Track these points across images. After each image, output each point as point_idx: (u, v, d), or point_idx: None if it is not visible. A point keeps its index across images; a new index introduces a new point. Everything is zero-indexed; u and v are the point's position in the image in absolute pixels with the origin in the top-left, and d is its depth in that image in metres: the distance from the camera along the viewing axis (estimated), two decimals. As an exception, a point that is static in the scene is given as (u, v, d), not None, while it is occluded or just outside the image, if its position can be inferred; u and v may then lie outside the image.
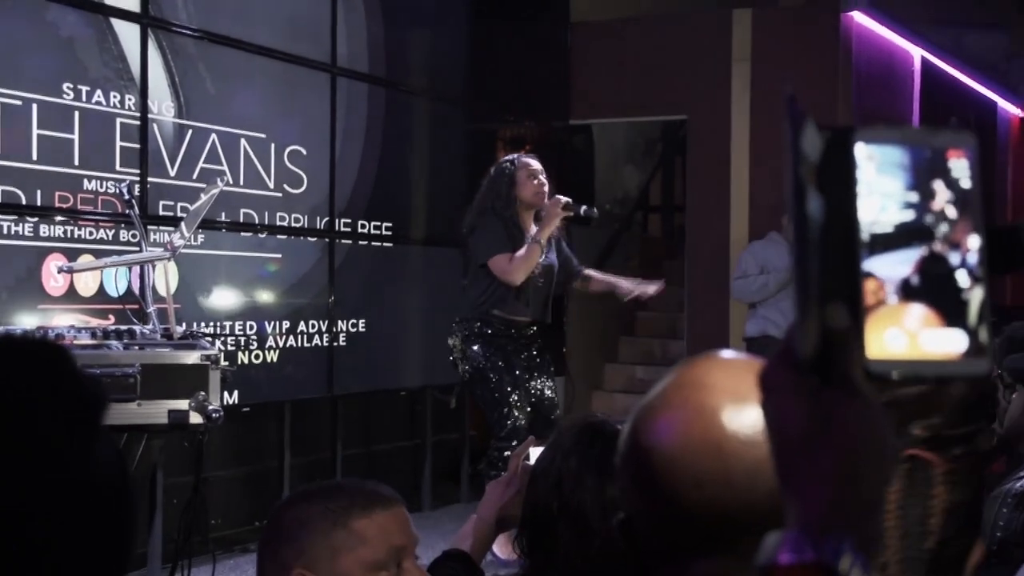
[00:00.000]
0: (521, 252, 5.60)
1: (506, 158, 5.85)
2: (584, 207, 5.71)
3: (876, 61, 8.43)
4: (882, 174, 0.74)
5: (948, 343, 0.73)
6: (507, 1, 7.95)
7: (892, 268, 0.73)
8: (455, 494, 7.44)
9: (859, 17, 8.09)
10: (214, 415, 3.59)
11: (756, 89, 8.05)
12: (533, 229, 5.71)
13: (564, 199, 5.64)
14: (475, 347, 5.70)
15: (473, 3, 7.51)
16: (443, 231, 7.28)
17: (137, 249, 4.60)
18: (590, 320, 8.71)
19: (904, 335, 0.73)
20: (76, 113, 5.04)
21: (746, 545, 0.94)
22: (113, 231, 5.16)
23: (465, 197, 7.39)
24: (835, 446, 0.75)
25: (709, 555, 1.01)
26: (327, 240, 6.36)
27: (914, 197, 0.75)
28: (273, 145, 6.04)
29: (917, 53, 9.30)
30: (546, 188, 5.69)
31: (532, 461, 2.25)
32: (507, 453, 5.59)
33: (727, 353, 1.10)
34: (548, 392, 5.85)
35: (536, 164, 5.75)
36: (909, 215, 0.74)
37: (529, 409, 5.71)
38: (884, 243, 0.74)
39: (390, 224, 6.83)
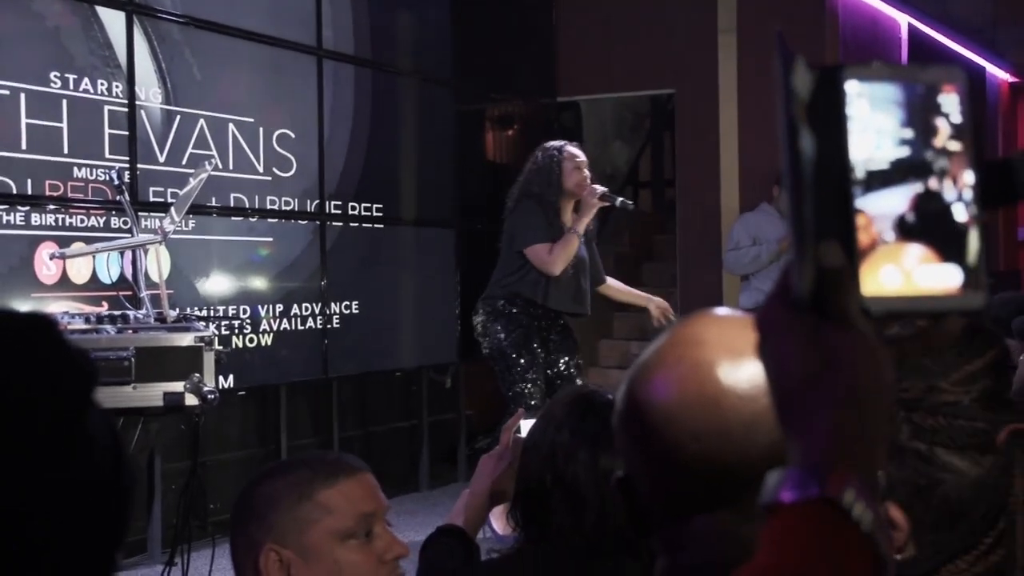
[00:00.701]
0: (560, 243, 5.64)
1: (551, 145, 5.83)
2: (620, 198, 5.76)
3: (863, 29, 8.45)
4: (875, 111, 0.74)
5: (943, 278, 0.73)
6: (492, -21, 7.98)
7: (887, 205, 0.73)
8: (452, 474, 7.48)
9: (844, -15, 8.11)
10: (209, 396, 3.62)
11: (743, 60, 8.06)
12: (570, 219, 5.75)
13: (601, 189, 5.67)
14: (497, 324, 5.74)
15: (458, -18, 7.53)
16: (433, 211, 7.31)
17: (129, 235, 4.62)
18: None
19: (899, 272, 0.73)
20: (64, 102, 5.06)
21: (746, 500, 0.97)
22: (104, 218, 5.19)
23: (454, 176, 7.44)
24: (835, 382, 0.75)
25: (709, 510, 1.02)
26: (318, 223, 6.40)
27: (908, 133, 0.75)
28: (262, 129, 6.06)
29: (903, 20, 9.32)
30: (588, 178, 5.73)
31: (523, 434, 2.28)
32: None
33: (721, 310, 1.12)
34: (572, 370, 5.89)
35: (581, 155, 5.79)
36: (904, 151, 0.74)
37: (547, 388, 5.75)
38: (879, 180, 0.74)
39: (380, 206, 6.86)
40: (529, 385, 5.69)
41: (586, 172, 5.75)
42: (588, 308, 5.92)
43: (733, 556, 0.97)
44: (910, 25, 9.41)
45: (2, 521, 0.86)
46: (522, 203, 5.76)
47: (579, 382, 5.90)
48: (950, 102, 0.75)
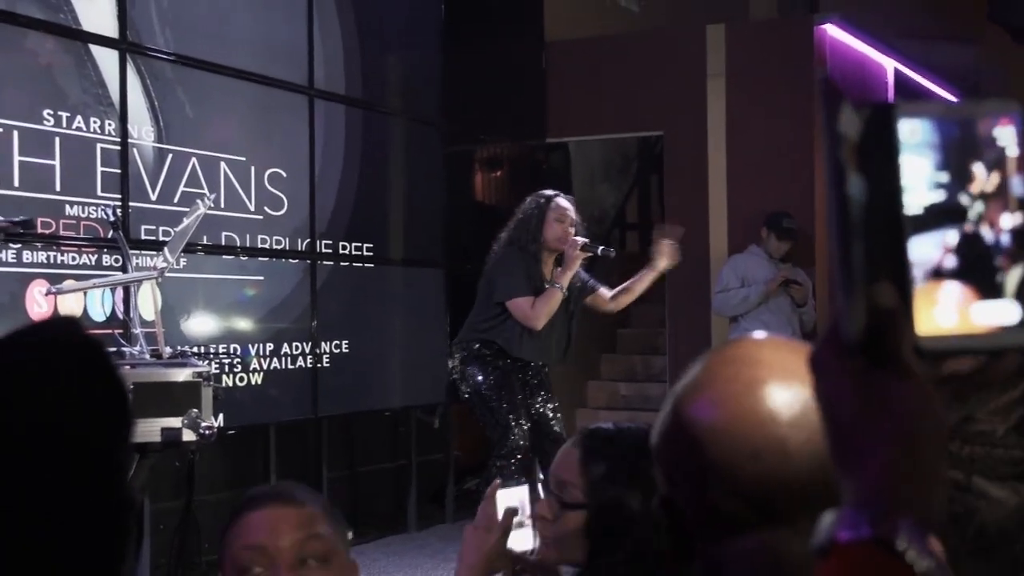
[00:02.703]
0: (543, 297, 5.61)
1: (541, 193, 5.82)
2: (601, 247, 5.70)
3: (850, 73, 8.55)
4: (918, 151, 0.74)
5: (998, 315, 0.73)
6: (481, 21, 8.03)
7: (923, 251, 0.73)
8: (441, 515, 7.47)
9: (832, 30, 8.20)
10: (206, 432, 3.62)
11: (732, 103, 8.14)
12: (551, 271, 5.73)
13: (581, 240, 5.63)
14: (473, 368, 5.74)
15: (447, 23, 7.59)
16: (422, 251, 7.34)
17: (121, 272, 4.63)
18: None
19: (954, 310, 0.73)
20: (57, 139, 5.08)
21: (797, 517, 0.99)
22: (96, 256, 5.20)
23: (444, 216, 7.48)
24: (888, 423, 0.75)
25: (757, 528, 1.02)
26: (308, 262, 6.41)
27: (944, 177, 0.74)
28: (253, 168, 6.09)
29: (890, 65, 9.43)
30: (572, 233, 5.66)
31: (501, 505, 2.27)
32: (506, 472, 5.64)
33: (762, 334, 1.13)
34: (548, 410, 5.88)
35: (567, 207, 5.73)
36: (939, 196, 0.74)
37: (528, 427, 5.75)
38: (912, 225, 0.73)
39: (371, 245, 6.88)
40: (514, 426, 5.68)
41: (571, 227, 5.68)
42: (555, 357, 5.86)
43: (779, 572, 1.00)
44: (896, 70, 9.52)
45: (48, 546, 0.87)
46: (504, 251, 5.74)
47: (556, 422, 5.89)
48: (1006, 135, 0.74)
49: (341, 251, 6.67)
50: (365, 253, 6.85)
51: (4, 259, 4.85)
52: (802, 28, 8.13)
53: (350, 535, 5.96)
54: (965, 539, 1.15)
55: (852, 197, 0.74)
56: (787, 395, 1.03)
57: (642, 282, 5.96)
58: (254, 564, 1.68)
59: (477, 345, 5.75)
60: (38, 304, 4.91)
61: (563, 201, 5.77)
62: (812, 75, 7.96)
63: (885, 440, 0.75)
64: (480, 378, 5.72)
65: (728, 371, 1.07)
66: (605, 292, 6.01)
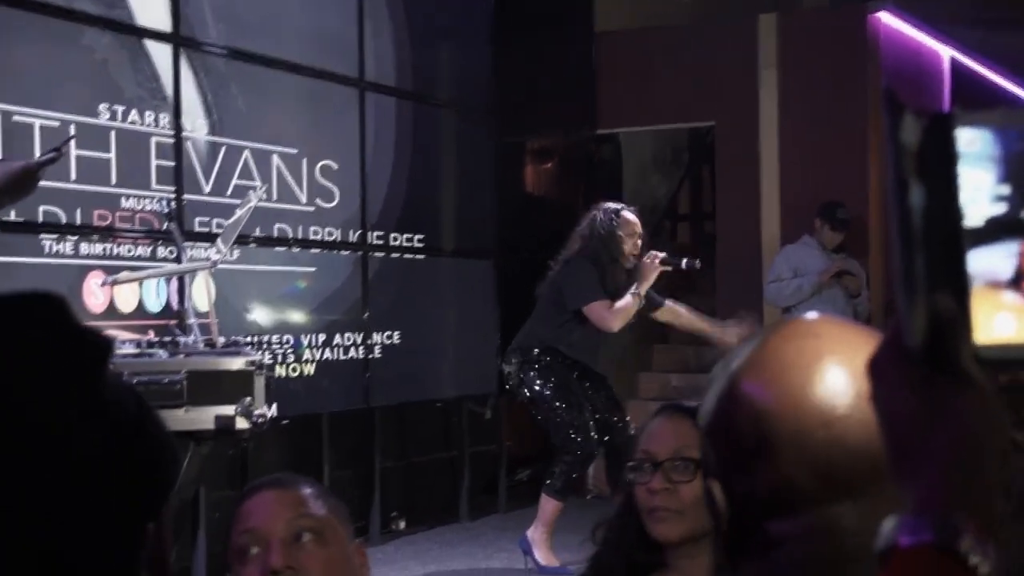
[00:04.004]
0: (622, 303, 5.77)
1: (608, 207, 5.95)
2: (686, 259, 5.92)
3: (905, 61, 8.48)
4: (979, 162, 0.74)
5: None
6: (532, 13, 8.04)
7: (982, 264, 0.73)
8: (493, 505, 7.50)
9: (886, 17, 8.15)
10: (259, 420, 3.67)
11: (784, 93, 8.10)
12: (616, 280, 5.86)
13: (660, 254, 5.81)
14: (532, 373, 5.84)
15: (498, 15, 7.61)
16: (473, 242, 7.38)
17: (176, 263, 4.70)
18: (623, 328, 8.75)
19: (1013, 320, 0.73)
20: (112, 133, 5.17)
21: (866, 492, 1.00)
22: (150, 248, 5.28)
23: (494, 208, 7.50)
24: (949, 432, 0.75)
25: (822, 503, 1.02)
26: (360, 253, 6.47)
27: (1005, 190, 0.74)
28: (305, 160, 6.15)
29: (946, 52, 9.34)
30: (639, 248, 5.86)
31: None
32: (574, 468, 5.71)
33: (815, 313, 1.15)
34: (609, 403, 5.98)
35: (637, 223, 5.92)
36: (999, 208, 0.74)
37: (593, 425, 5.84)
38: (976, 237, 0.73)
39: (421, 236, 6.93)
40: (580, 427, 5.76)
41: (638, 241, 5.89)
42: (582, 356, 5.98)
43: (840, 549, 1.01)
44: (953, 58, 9.44)
45: (14, 492, 0.86)
46: (575, 261, 5.86)
47: (618, 415, 5.95)
48: None
49: (392, 243, 6.72)
50: (416, 244, 6.89)
51: (62, 251, 4.94)
52: (855, 16, 8.08)
53: (402, 524, 5.95)
54: (1010, 500, 1.16)
55: (913, 207, 0.74)
56: (851, 365, 1.03)
57: (699, 325, 6.30)
58: (250, 546, 1.74)
59: (536, 351, 5.86)
60: (95, 295, 5.00)
61: (630, 215, 5.94)
62: (866, 64, 7.91)
63: (945, 446, 0.76)
64: (540, 383, 5.83)
65: (790, 345, 1.07)
66: (671, 305, 6.25)
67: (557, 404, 5.79)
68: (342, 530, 1.81)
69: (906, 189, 0.74)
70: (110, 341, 0.97)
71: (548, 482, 5.85)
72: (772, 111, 8.14)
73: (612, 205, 6.00)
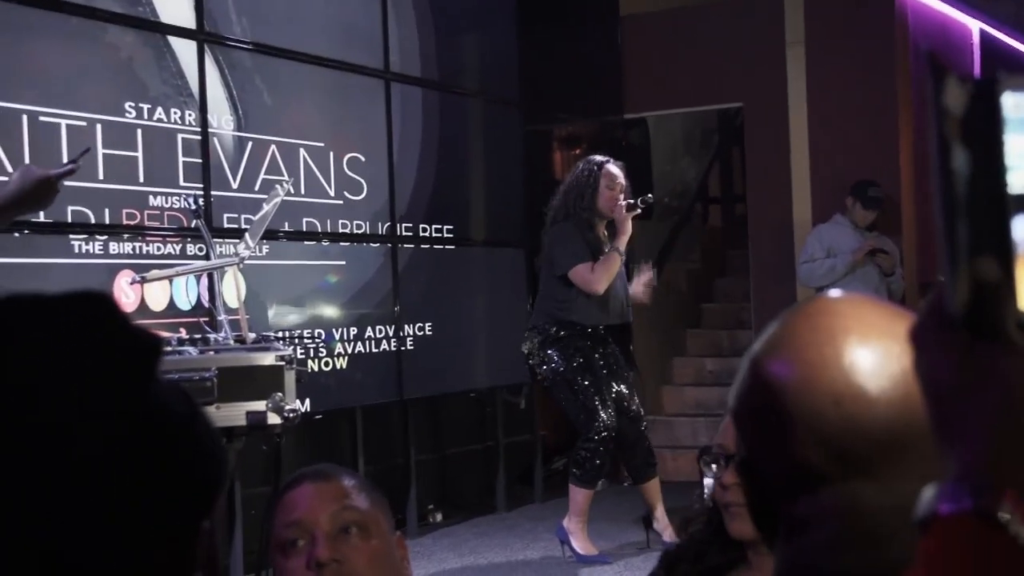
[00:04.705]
0: (602, 261, 5.71)
1: (593, 159, 5.92)
2: (640, 198, 5.81)
3: (933, 36, 8.40)
4: (1014, 132, 0.73)
5: None
6: (556, -1, 8.04)
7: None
8: (529, 495, 7.49)
9: (913, -8, 8.07)
10: (291, 415, 3.67)
11: (812, 72, 8.04)
12: (603, 233, 5.84)
13: (624, 202, 5.75)
14: (551, 351, 5.80)
15: (521, 2, 7.58)
16: (503, 231, 7.36)
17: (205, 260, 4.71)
18: (655, 314, 8.74)
19: None
20: (139, 131, 5.17)
21: (883, 469, 1.00)
22: (179, 245, 5.29)
23: (523, 196, 7.49)
24: (992, 398, 0.75)
25: (843, 481, 1.03)
26: (389, 245, 6.46)
27: None
28: (332, 153, 6.15)
29: (975, 26, 9.25)
30: (621, 200, 5.78)
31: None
32: (595, 453, 5.67)
33: (839, 291, 1.15)
34: (625, 389, 5.92)
35: (618, 173, 5.84)
36: None
37: (612, 410, 5.79)
38: (1021, 203, 0.72)
39: (451, 227, 6.92)
40: (600, 409, 5.71)
41: (619, 192, 5.79)
42: (616, 317, 5.94)
43: (862, 528, 1.01)
44: (982, 31, 9.34)
45: (69, 486, 0.87)
46: (558, 224, 5.84)
47: (633, 401, 5.90)
48: None
49: (422, 234, 6.71)
50: (445, 235, 6.88)
51: (92, 251, 4.95)
52: (882, -9, 8.00)
53: (439, 517, 5.97)
54: None
55: (956, 172, 0.73)
56: (867, 343, 1.04)
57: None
58: (295, 538, 1.76)
59: (554, 328, 5.81)
60: (125, 294, 5.01)
61: (613, 168, 5.86)
62: (894, 39, 7.84)
63: (988, 412, 0.75)
64: (560, 361, 5.77)
65: (807, 324, 1.08)
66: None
67: (578, 384, 5.74)
68: (384, 522, 1.82)
69: (949, 154, 0.74)
70: (160, 340, 0.97)
71: (573, 471, 5.82)
72: (800, 89, 8.08)
73: (597, 158, 5.94)
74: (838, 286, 7.12)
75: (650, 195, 5.95)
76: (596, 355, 5.83)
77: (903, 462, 0.99)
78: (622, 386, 5.91)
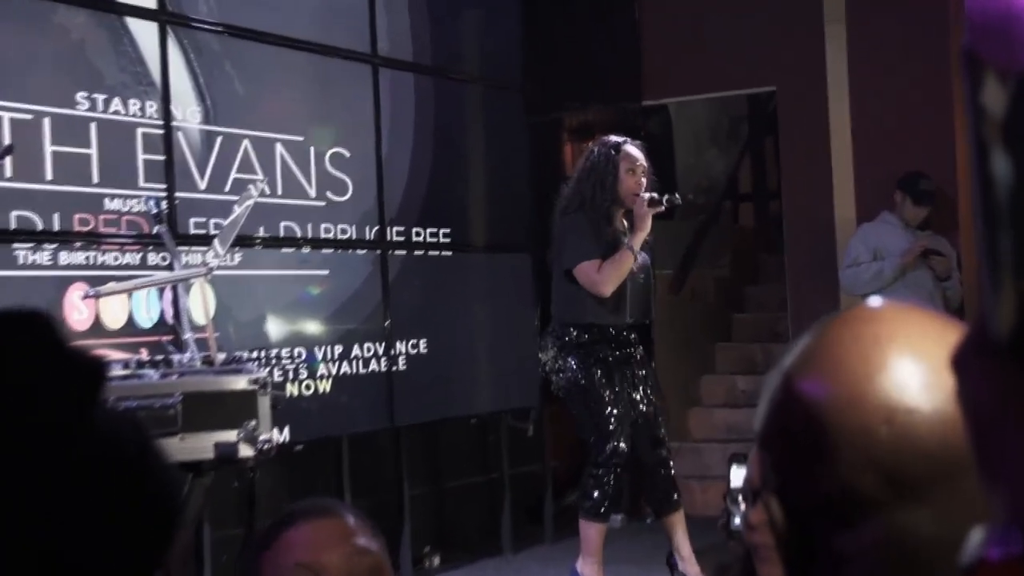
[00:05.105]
0: (612, 260, 5.69)
1: (608, 140, 5.91)
2: (667, 196, 5.77)
3: (994, 7, 8.35)
4: None
5: None
6: (564, -29, 8.02)
7: None
8: (539, 534, 7.46)
9: (968, -41, 8.03)
10: (265, 446, 3.65)
11: (854, 51, 8.02)
12: (622, 225, 5.82)
13: (647, 196, 5.72)
14: (570, 359, 5.78)
15: (526, -24, 7.57)
16: (507, 235, 7.33)
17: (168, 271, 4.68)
18: (679, 326, 8.69)
19: None
20: (92, 125, 5.13)
21: (936, 493, 0.99)
22: (140, 254, 5.24)
23: (529, 194, 7.45)
24: None
25: (891, 508, 1.02)
26: (379, 252, 6.43)
27: None
28: (312, 148, 6.12)
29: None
30: (643, 185, 5.77)
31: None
32: (605, 481, 5.63)
33: (879, 299, 1.15)
34: (652, 409, 5.89)
35: (638, 155, 5.83)
36: None
37: (630, 431, 5.77)
38: None
39: (448, 230, 6.88)
40: (615, 430, 5.67)
41: (641, 178, 5.79)
42: (638, 315, 5.94)
43: (913, 562, 1.00)
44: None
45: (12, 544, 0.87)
46: (569, 215, 5.82)
47: (658, 424, 5.87)
48: None
49: (415, 238, 6.67)
50: (442, 240, 6.84)
51: (39, 261, 4.91)
52: (934, -41, 7.97)
53: (436, 560, 5.97)
54: None
55: (997, 178, 0.73)
56: (917, 352, 1.04)
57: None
58: None
59: (574, 332, 5.80)
60: (78, 310, 4.96)
61: (632, 149, 5.85)
62: (947, 13, 7.78)
63: None
64: (578, 370, 5.77)
65: (847, 333, 1.07)
66: None
67: (594, 399, 5.72)
68: (388, 565, 1.83)
69: (988, 159, 0.74)
70: (104, 364, 0.98)
71: (581, 503, 5.77)
72: (841, 71, 8.06)
73: (612, 138, 5.92)
74: (886, 293, 7.08)
75: (678, 195, 5.90)
76: (620, 366, 5.81)
77: (961, 487, 0.98)
78: (646, 403, 5.88)
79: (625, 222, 5.82)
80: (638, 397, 5.85)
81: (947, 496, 0.99)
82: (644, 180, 5.78)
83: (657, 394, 6.02)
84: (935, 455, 1.01)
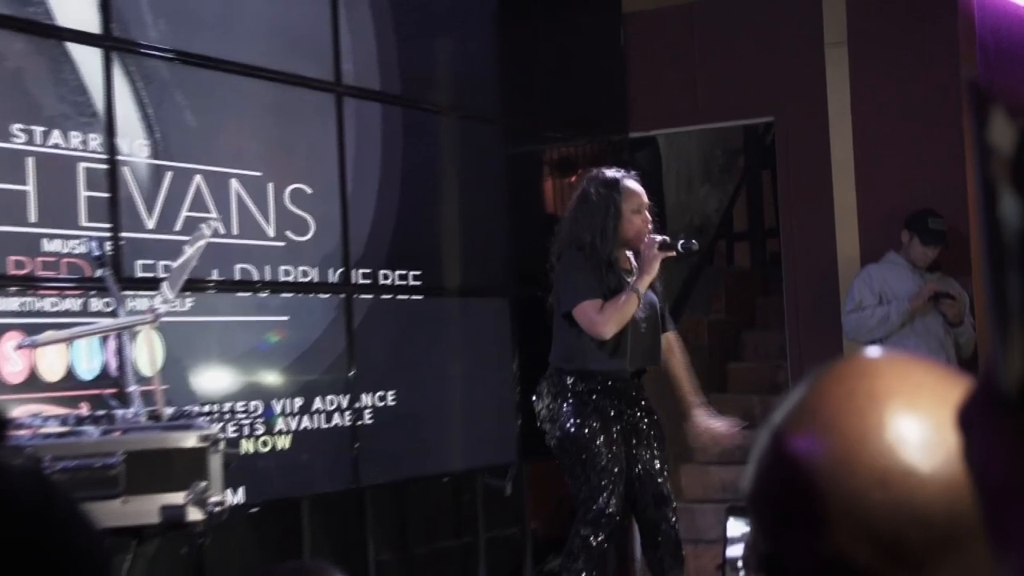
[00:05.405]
0: (615, 301, 5.71)
1: (605, 177, 5.93)
2: (682, 241, 5.83)
3: (1007, 30, 8.40)
4: None
5: None
6: (544, -7, 8.06)
7: None
8: (519, 603, 7.44)
9: (980, -20, 8.09)
10: (216, 509, 3.62)
11: (857, 77, 8.05)
12: (625, 261, 5.87)
13: (659, 238, 5.75)
14: (565, 406, 5.79)
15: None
16: (484, 277, 7.33)
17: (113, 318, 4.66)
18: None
19: None
20: (30, 160, 5.11)
21: (938, 564, 0.99)
22: (81, 300, 5.22)
23: (507, 233, 7.45)
24: None
25: None
26: (343, 296, 6.42)
27: None
28: (271, 185, 6.11)
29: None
30: (650, 225, 5.81)
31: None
32: (593, 543, 5.61)
33: (878, 349, 1.14)
34: (656, 462, 5.90)
35: (640, 190, 5.89)
36: None
37: (624, 488, 5.80)
38: None
39: (418, 272, 6.88)
40: (605, 487, 5.66)
41: (647, 215, 5.84)
42: (643, 361, 5.98)
43: None
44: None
45: None
46: (568, 253, 5.86)
47: (663, 480, 5.87)
48: None
49: (382, 281, 6.67)
50: (412, 282, 6.84)
51: (-29, 308, 4.89)
52: (942, -21, 8.03)
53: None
54: None
55: (1005, 221, 0.75)
56: (916, 409, 1.04)
57: (682, 389, 6.24)
58: None
59: (571, 379, 5.83)
60: (11, 361, 4.93)
61: (633, 184, 5.91)
62: (958, 37, 7.84)
63: None
64: (573, 420, 5.78)
65: (841, 389, 1.07)
66: (671, 337, 6.21)
67: (588, 452, 5.72)
68: None
69: (996, 200, 0.75)
70: (4, 418, 0.98)
71: (567, 566, 5.76)
72: (843, 99, 8.09)
73: (608, 173, 5.95)
74: (893, 340, 7.10)
75: (695, 241, 5.93)
76: (620, 417, 5.82)
77: (965, 556, 0.99)
78: (653, 460, 5.91)
79: (633, 262, 5.85)
80: (641, 452, 5.85)
81: (949, 566, 0.99)
82: (649, 216, 5.84)
83: (664, 449, 6.02)
84: (935, 522, 1.00)
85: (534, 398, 5.98)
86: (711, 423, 6.10)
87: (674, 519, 5.96)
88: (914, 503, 1.01)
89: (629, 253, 5.89)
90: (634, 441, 5.86)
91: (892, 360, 1.11)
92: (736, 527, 2.10)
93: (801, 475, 1.05)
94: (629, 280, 5.79)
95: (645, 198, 5.87)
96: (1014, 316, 0.74)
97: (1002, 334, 0.74)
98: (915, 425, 1.03)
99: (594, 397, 5.78)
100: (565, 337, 5.87)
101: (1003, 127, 0.75)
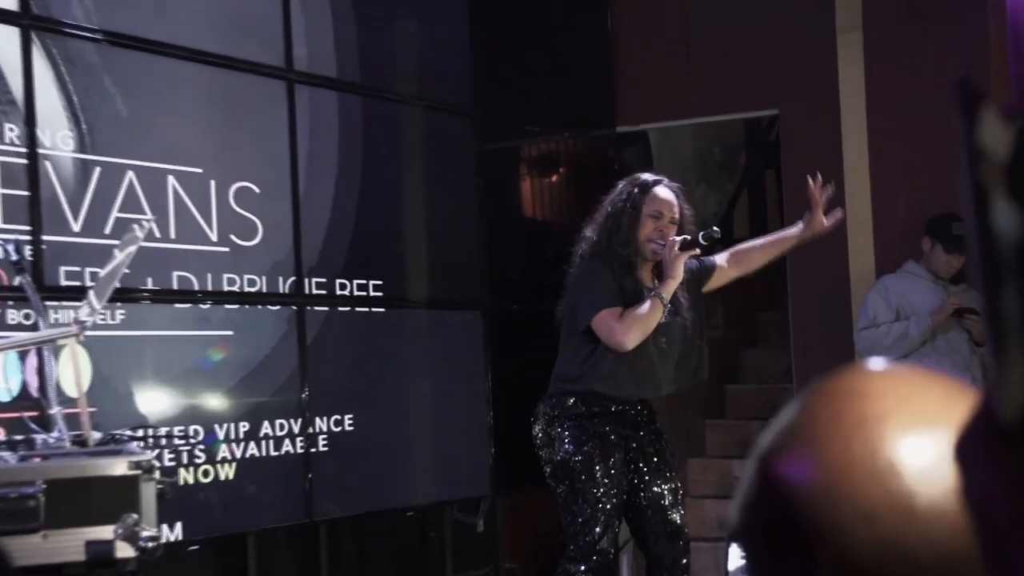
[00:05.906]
0: (637, 309, 5.71)
1: (636, 178, 6.01)
2: (702, 232, 5.83)
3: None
4: None
5: None
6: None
7: None
8: (491, 654, 7.44)
9: (1008, -41, 8.13)
10: (149, 545, 3.60)
11: (872, 67, 8.09)
12: (649, 276, 5.91)
13: (679, 238, 5.76)
14: (563, 429, 5.80)
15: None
16: (453, 288, 7.34)
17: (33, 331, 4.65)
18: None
19: None
20: (-60, 152, 5.12)
21: None
22: (-1, 311, 5.22)
23: (481, 239, 7.45)
24: None
25: None
26: (294, 308, 6.43)
27: None
28: (213, 183, 6.12)
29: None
30: (671, 232, 5.83)
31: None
32: None
33: (880, 362, 1.14)
34: (666, 492, 5.94)
35: (669, 199, 5.91)
36: None
37: (635, 516, 5.86)
38: None
39: (379, 282, 6.90)
40: (599, 520, 5.67)
41: (670, 223, 5.86)
42: (684, 380, 6.11)
43: None
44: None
45: None
46: (585, 261, 5.91)
47: (674, 510, 5.89)
48: None
49: (339, 292, 6.68)
50: (372, 293, 6.85)
51: None
52: (967, -42, 8.06)
53: None
54: None
55: (1000, 231, 0.76)
56: (910, 435, 1.02)
57: (776, 240, 6.37)
58: None
59: (572, 400, 5.84)
60: (-80, 379, 4.92)
61: (663, 191, 5.92)
62: (985, 19, 7.87)
63: None
64: (571, 445, 5.81)
65: (828, 409, 1.07)
66: (723, 260, 6.24)
67: (582, 480, 5.74)
68: None
69: (988, 209, 0.76)
70: None
71: None
72: (857, 91, 8.13)
73: (643, 177, 6.02)
74: (912, 360, 7.10)
75: (716, 228, 5.93)
76: (626, 444, 5.85)
77: None
78: (663, 488, 5.93)
79: (656, 280, 5.86)
80: (648, 481, 5.87)
81: None
82: (667, 228, 5.83)
83: (675, 476, 6.03)
84: (925, 564, 1.00)
85: (532, 419, 5.97)
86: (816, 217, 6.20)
87: (685, 560, 5.97)
88: (903, 541, 1.00)
89: (654, 279, 5.89)
90: (642, 468, 5.86)
91: (890, 376, 1.10)
92: (737, 556, 2.11)
93: (785, 506, 1.05)
94: (648, 292, 5.79)
95: (672, 209, 5.87)
96: (1011, 338, 0.75)
97: (999, 358, 0.76)
98: (908, 453, 1.02)
99: (595, 420, 5.79)
100: (576, 354, 5.86)
101: (996, 129, 0.76)
